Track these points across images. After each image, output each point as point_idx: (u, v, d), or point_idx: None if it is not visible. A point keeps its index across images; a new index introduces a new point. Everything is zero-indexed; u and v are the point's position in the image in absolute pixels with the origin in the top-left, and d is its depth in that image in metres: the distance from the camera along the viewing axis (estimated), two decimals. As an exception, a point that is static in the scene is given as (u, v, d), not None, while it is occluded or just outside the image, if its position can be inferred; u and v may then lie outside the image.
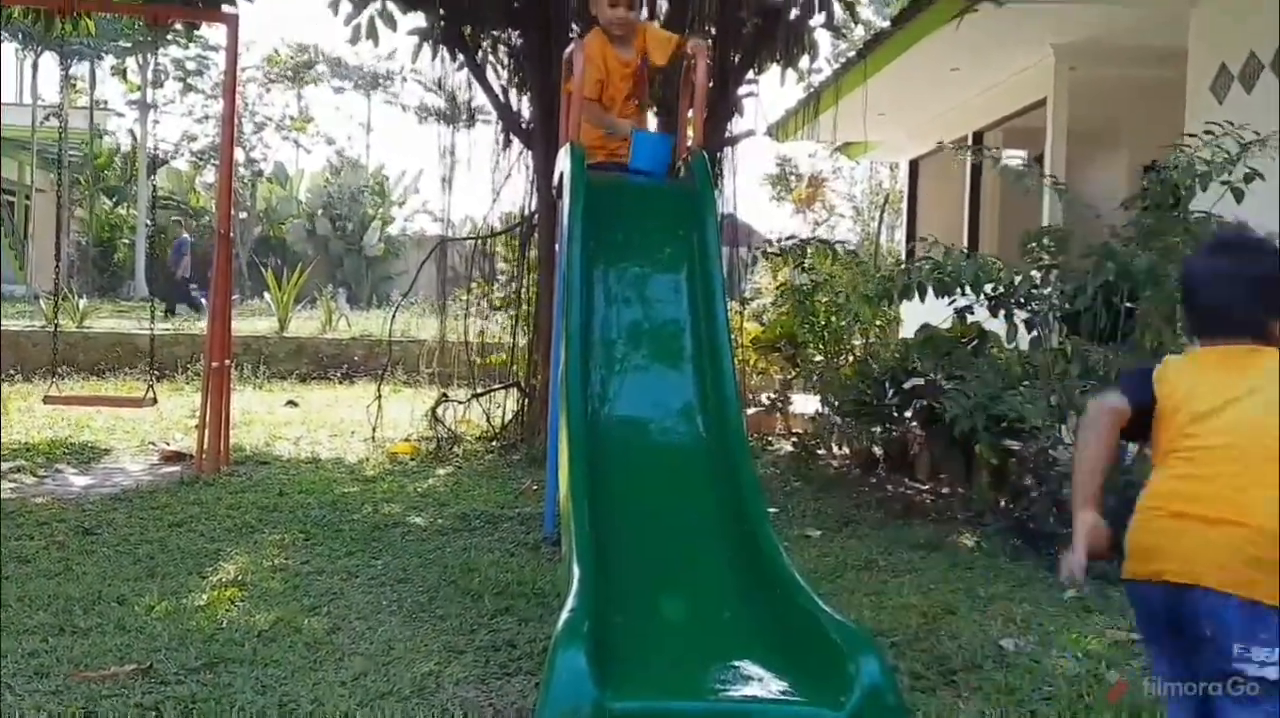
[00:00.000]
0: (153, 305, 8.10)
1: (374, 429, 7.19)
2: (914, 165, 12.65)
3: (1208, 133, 4.52)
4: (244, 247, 23.75)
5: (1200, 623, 1.86)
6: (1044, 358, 4.87)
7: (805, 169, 24.69)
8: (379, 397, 7.33)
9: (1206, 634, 1.84)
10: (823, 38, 8.21)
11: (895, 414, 6.00)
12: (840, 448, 6.58)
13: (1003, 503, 4.87)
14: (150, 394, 6.43)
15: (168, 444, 6.80)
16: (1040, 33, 8.07)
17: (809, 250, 7.00)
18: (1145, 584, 1.98)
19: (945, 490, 5.79)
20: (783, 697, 2.01)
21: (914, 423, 5.97)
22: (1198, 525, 1.90)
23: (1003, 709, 2.69)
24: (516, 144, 7.53)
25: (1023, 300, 4.93)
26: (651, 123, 5.39)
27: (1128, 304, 4.60)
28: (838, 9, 8.08)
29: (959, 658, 3.09)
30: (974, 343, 5.57)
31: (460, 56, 7.58)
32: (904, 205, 13.09)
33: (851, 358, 6.73)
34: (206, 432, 5.86)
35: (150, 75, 25.57)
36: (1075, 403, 4.60)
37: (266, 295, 15.54)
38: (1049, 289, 4.84)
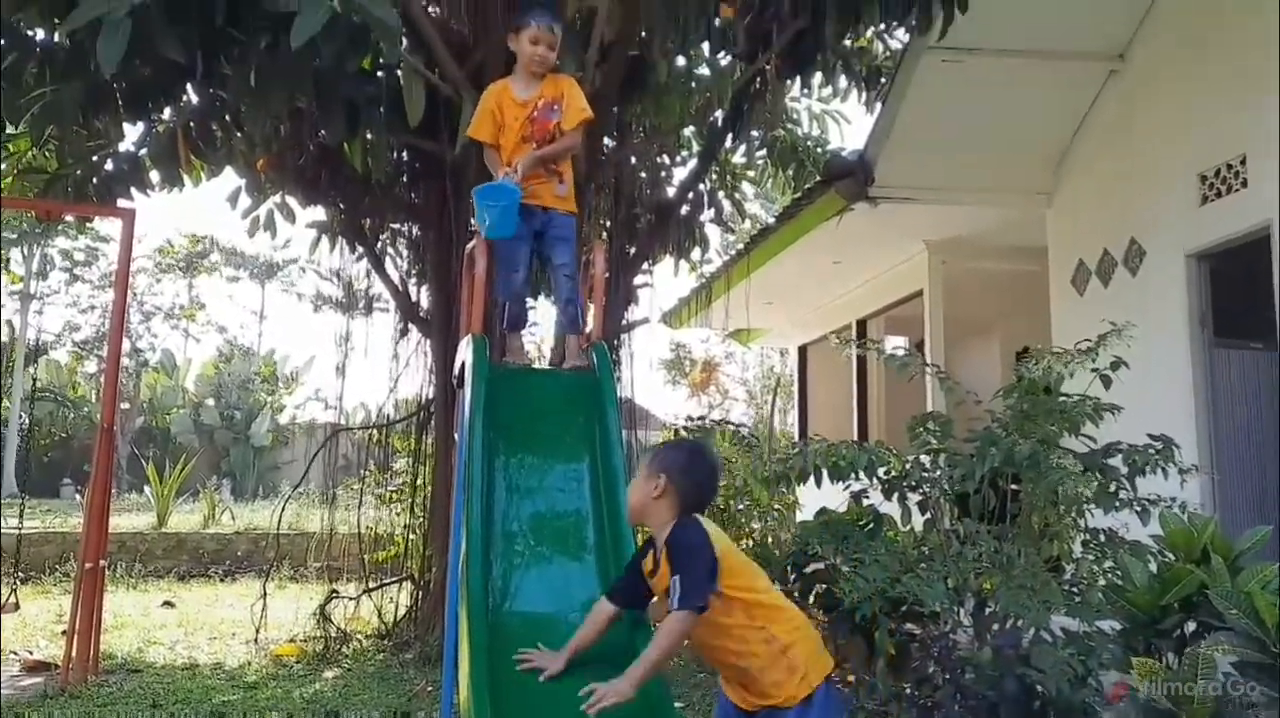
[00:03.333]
0: (23, 503, 7.70)
1: (257, 630, 6.84)
2: (803, 351, 13.11)
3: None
4: (125, 438, 22.89)
5: None
6: (938, 540, 4.96)
7: (699, 354, 25.35)
8: (264, 594, 7.01)
9: None
10: (713, 232, 8.63)
11: (797, 600, 5.98)
12: (743, 636, 6.48)
13: (907, 690, 4.84)
14: (13, 598, 6.04)
15: (30, 653, 6.33)
16: (914, 229, 8.62)
17: (716, 432, 7.09)
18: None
19: (850, 678, 5.72)
20: None
21: (816, 608, 5.95)
22: None
23: None
24: (415, 333, 7.58)
25: (915, 484, 5.06)
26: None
27: (1013, 487, 4.76)
28: (726, 205, 8.53)
29: None
30: (870, 526, 5.66)
31: (359, 248, 7.71)
32: (795, 389, 13.46)
33: (751, 542, 6.74)
34: (75, 638, 5.49)
35: (35, 266, 25.20)
36: (971, 585, 4.68)
37: (146, 489, 14.90)
38: (939, 472, 4.98)
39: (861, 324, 10.82)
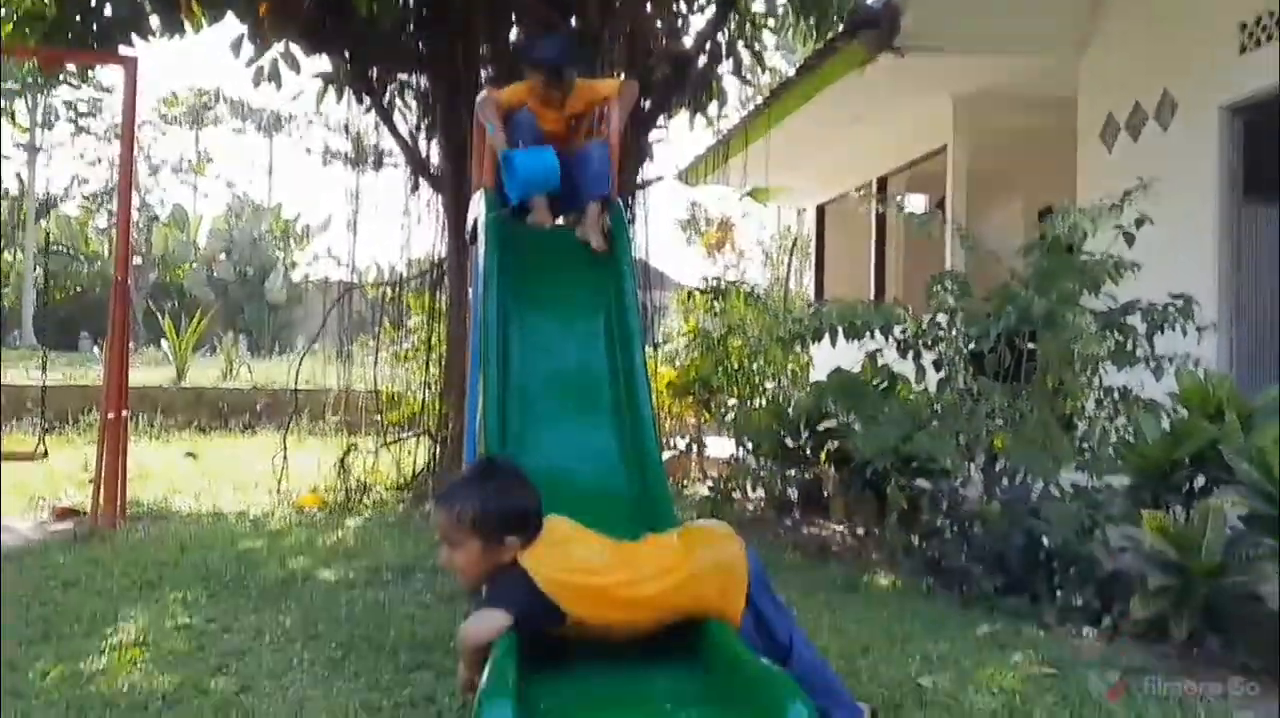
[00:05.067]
0: (43, 355, 7.77)
1: (279, 481, 6.99)
2: (821, 210, 12.93)
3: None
4: (140, 293, 23.01)
5: None
6: (951, 398, 4.99)
7: (715, 213, 25.07)
8: (284, 447, 7.13)
9: None
10: (731, 84, 8.38)
11: (809, 457, 6.07)
12: (755, 491, 6.62)
13: (916, 542, 4.95)
14: (41, 448, 6.16)
15: (60, 500, 6.50)
16: (939, 82, 8.36)
17: (733, 292, 7.08)
18: None
19: (860, 531, 5.86)
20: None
21: (828, 465, 6.04)
22: None
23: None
24: (425, 188, 7.48)
25: (930, 343, 5.05)
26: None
27: (1030, 345, 4.75)
28: (745, 57, 8.25)
29: (879, 698, 3.10)
30: (884, 385, 5.69)
31: (367, 100, 7.53)
32: (812, 249, 13.35)
33: (765, 401, 6.80)
34: (102, 486, 5.62)
35: (40, 117, 24.83)
36: (982, 442, 4.72)
37: (164, 343, 15.05)
38: (954, 332, 4.97)
39: (882, 181, 10.63)
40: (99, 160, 30.36)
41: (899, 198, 6.29)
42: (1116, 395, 4.66)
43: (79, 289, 24.26)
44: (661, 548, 2.49)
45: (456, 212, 6.72)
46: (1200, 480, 4.04)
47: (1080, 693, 3.16)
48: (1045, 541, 4.25)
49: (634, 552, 2.49)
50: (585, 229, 3.98)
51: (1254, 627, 3.50)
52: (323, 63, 7.56)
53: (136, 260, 25.20)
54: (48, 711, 2.89)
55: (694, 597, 2.38)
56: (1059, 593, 4.11)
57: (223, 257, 27.02)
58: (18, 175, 27.33)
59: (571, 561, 2.42)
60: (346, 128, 8.31)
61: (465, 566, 2.48)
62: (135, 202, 22.50)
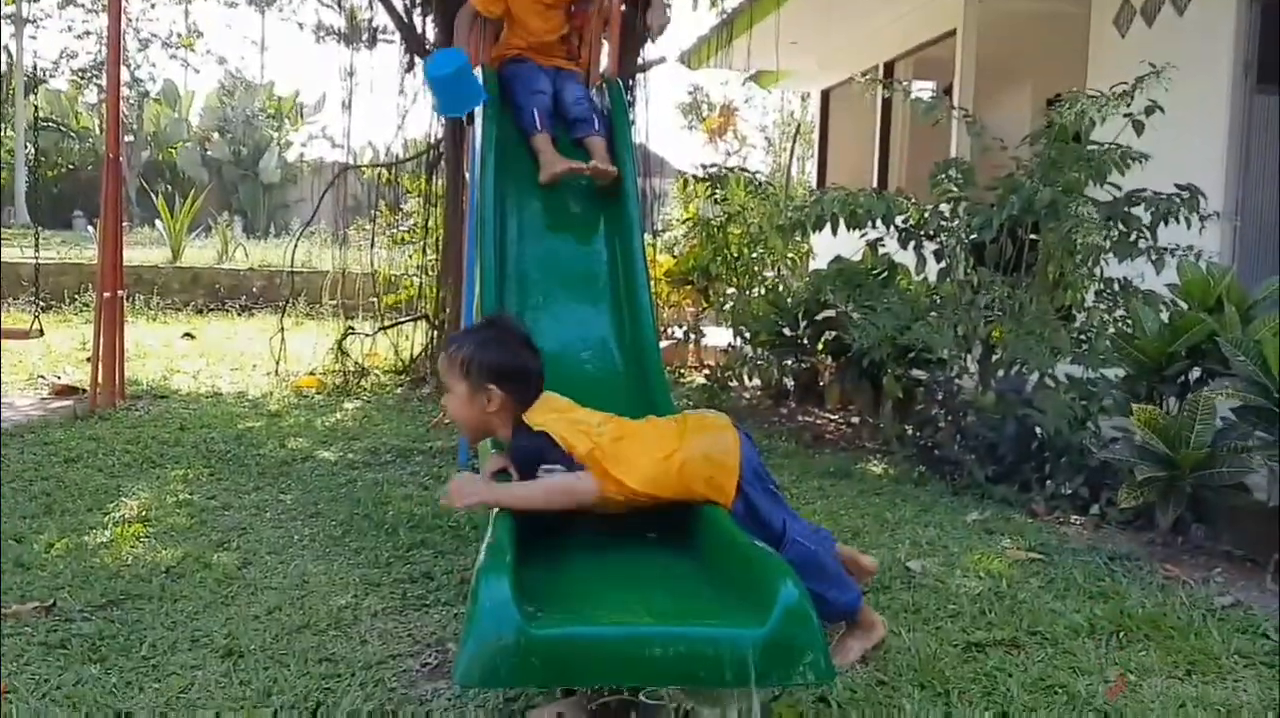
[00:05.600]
0: (36, 232, 7.70)
1: (277, 362, 7.02)
2: (825, 96, 12.67)
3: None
4: (133, 172, 22.69)
5: None
6: (951, 289, 4.97)
7: (718, 97, 24.58)
8: (281, 329, 7.14)
9: None
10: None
11: (807, 346, 6.09)
12: (752, 379, 6.65)
13: (909, 431, 5.00)
14: (36, 325, 6.15)
15: (58, 378, 6.53)
16: (950, -38, 8.10)
17: (734, 179, 6.98)
18: None
19: (854, 420, 5.91)
20: (704, 619, 2.03)
21: (825, 355, 6.06)
22: None
23: (910, 627, 2.78)
24: (421, 66, 7.30)
25: (932, 233, 5.01)
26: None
27: (1032, 236, 4.71)
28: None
29: (869, 581, 3.18)
30: (884, 275, 5.66)
31: (361, -27, 7.29)
32: (815, 136, 13.13)
33: (764, 291, 6.78)
34: (100, 365, 5.64)
35: (25, -13, 24.07)
36: (980, 333, 4.73)
37: (158, 223, 14.92)
38: (957, 222, 4.92)
39: (889, 66, 10.38)
40: (88, 33, 29.54)
41: (905, 83, 6.13)
42: (1117, 287, 4.65)
43: (71, 166, 23.91)
44: (661, 430, 2.51)
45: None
46: (1196, 373, 4.06)
47: (1065, 578, 3.24)
48: (1038, 431, 4.29)
49: (635, 427, 2.51)
50: (595, 169, 3.85)
51: (1239, 516, 3.57)
52: (314, -68, 7.30)
53: (128, 138, 24.79)
54: (53, 581, 2.94)
55: (683, 485, 2.40)
56: (1049, 482, 4.18)
57: (216, 135, 26.54)
58: (5, 49, 26.67)
59: (577, 423, 2.42)
60: (339, 2, 8.07)
61: (454, 410, 2.50)
62: (125, 77, 21.98)
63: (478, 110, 3.94)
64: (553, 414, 2.43)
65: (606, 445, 2.36)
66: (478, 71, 3.92)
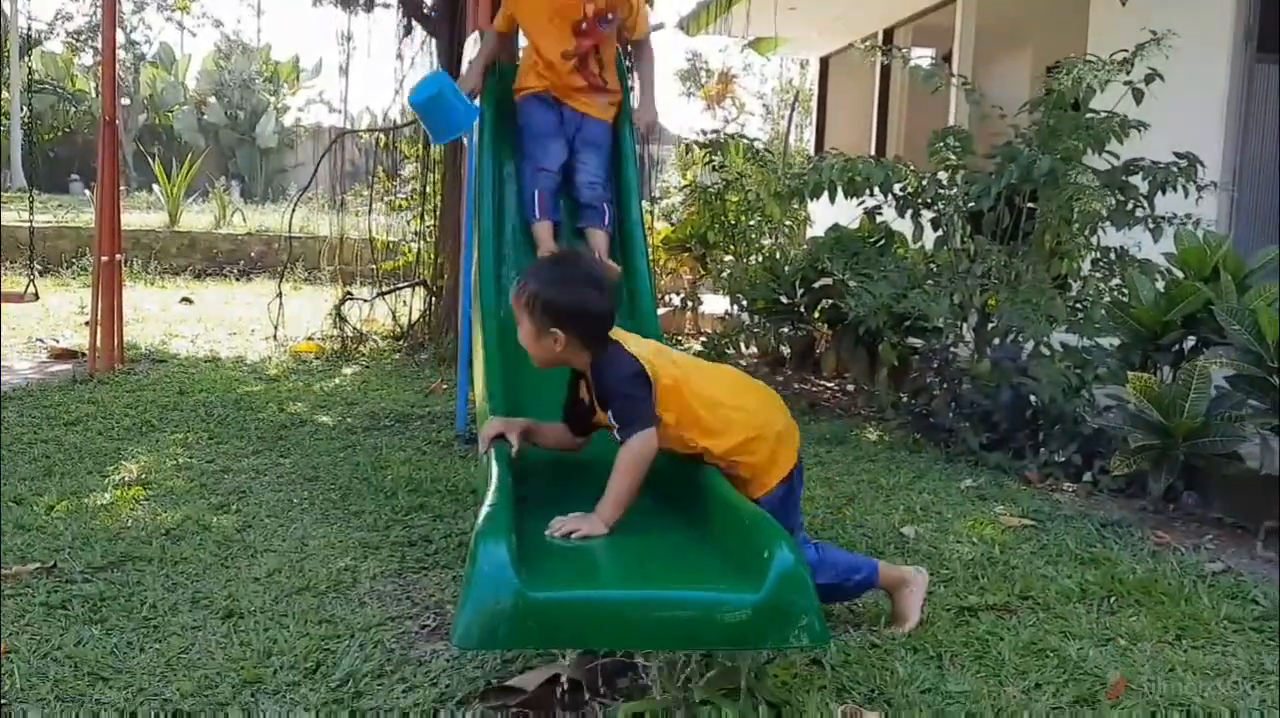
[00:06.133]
0: (31, 196, 7.67)
1: (275, 327, 7.02)
2: (824, 63, 12.59)
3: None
4: (129, 135, 22.54)
5: None
6: (948, 257, 4.98)
7: (716, 64, 24.40)
8: (279, 294, 7.14)
9: None
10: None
11: (803, 314, 6.09)
12: (749, 347, 6.67)
13: (905, 399, 5.02)
14: (32, 289, 6.14)
15: (57, 342, 6.54)
16: (951, -72, 8.03)
17: (732, 147, 6.95)
18: None
19: (850, 388, 5.94)
20: (701, 584, 2.06)
21: (822, 322, 6.07)
22: None
23: (904, 593, 2.81)
24: (419, 31, 7.25)
25: (929, 201, 5.00)
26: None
27: (1029, 205, 4.71)
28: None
29: (863, 545, 3.21)
30: (881, 243, 5.66)
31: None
32: (814, 103, 13.06)
33: (761, 258, 6.77)
34: (99, 329, 5.64)
35: (17, -53, 23.76)
36: (976, 302, 4.74)
37: (155, 188, 14.85)
38: (955, 190, 4.91)
39: (889, 33, 10.32)
40: (82, -7, 29.21)
41: (904, 50, 6.10)
42: (1113, 256, 4.65)
43: (68, 129, 23.74)
44: (744, 384, 2.58)
45: (451, 56, 6.52)
46: (1191, 342, 4.08)
47: (1058, 544, 3.27)
48: (1032, 399, 4.32)
49: (717, 371, 2.58)
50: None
51: (1230, 483, 3.60)
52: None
53: (124, 101, 24.60)
54: (53, 543, 2.97)
55: (754, 446, 2.41)
56: (1042, 450, 4.20)
57: (212, 99, 26.33)
58: (-2, 9, 26.37)
59: (663, 352, 2.44)
60: (336, -36, 7.98)
61: (524, 343, 2.45)
62: (120, 39, 21.76)
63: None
64: (639, 343, 2.42)
65: (693, 382, 2.39)
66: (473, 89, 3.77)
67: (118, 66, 5.98)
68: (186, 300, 9.20)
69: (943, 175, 4.98)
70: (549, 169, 3.64)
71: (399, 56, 7.35)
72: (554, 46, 3.68)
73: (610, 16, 3.69)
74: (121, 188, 6.83)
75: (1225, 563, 3.15)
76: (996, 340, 4.70)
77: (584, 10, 3.65)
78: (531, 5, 3.73)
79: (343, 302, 7.09)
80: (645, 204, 7.54)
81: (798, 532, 2.53)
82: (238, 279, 11.31)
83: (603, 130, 3.75)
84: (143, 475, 3.71)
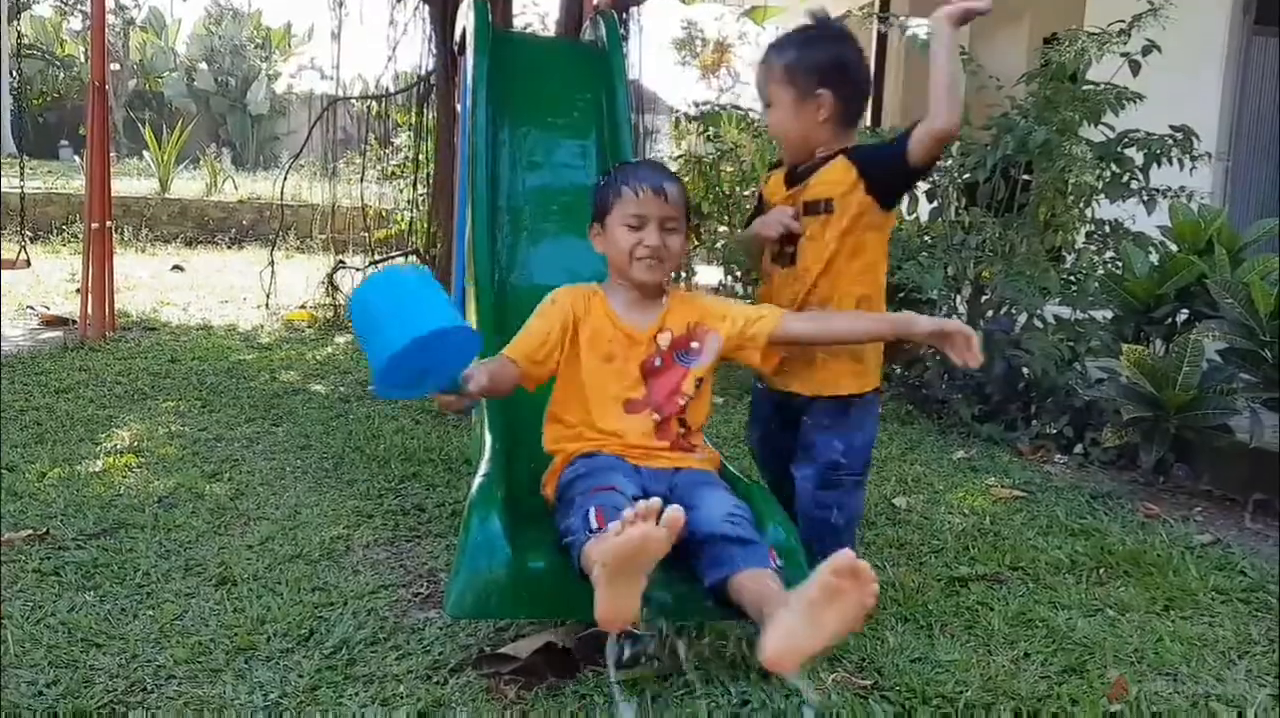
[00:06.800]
0: (21, 161, 7.61)
1: (268, 296, 7.00)
2: (819, 32, 12.49)
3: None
4: (119, 101, 22.35)
5: None
6: (942, 229, 4.97)
7: (712, 33, 24.27)
8: (271, 263, 7.11)
9: None
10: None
11: (795, 284, 6.08)
12: (742, 317, 6.64)
13: (897, 370, 5.02)
14: (23, 255, 6.11)
15: (47, 309, 6.51)
16: (950, -104, 7.94)
17: (725, 117, 6.91)
18: None
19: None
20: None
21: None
22: None
23: (895, 562, 2.83)
24: (412, -3, 7.17)
25: (925, 171, 4.98)
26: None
27: (1025, 177, 4.69)
28: None
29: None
30: (875, 213, 5.64)
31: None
32: (808, 73, 12.97)
33: (755, 228, 6.75)
34: (89, 296, 5.62)
35: (4, -92, 23.44)
36: (970, 274, 4.73)
37: (145, 155, 14.75)
38: (950, 161, 4.90)
39: (885, 1, 10.25)
40: (69, -42, 28.86)
41: (901, 19, 6.06)
42: (1108, 229, 4.65)
43: (57, 94, 23.53)
44: None
45: (444, 22, 6.46)
46: (1184, 315, 4.08)
47: (1048, 515, 3.29)
48: (1025, 371, 4.33)
49: None
50: None
51: (1220, 456, 3.62)
52: None
53: (114, 66, 24.35)
54: (46, 510, 2.97)
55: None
56: (1034, 422, 4.22)
57: (203, 65, 26.09)
58: (-16, -27, 26.05)
59: None
60: (328, -72, 7.89)
61: (777, 124, 2.35)
62: (109, 3, 21.51)
63: (469, 40, 3.88)
64: None
65: None
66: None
67: (107, 31, 5.91)
68: (178, 268, 9.16)
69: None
70: (619, 490, 2.11)
71: (391, 22, 7.28)
72: (608, 391, 2.35)
73: (695, 343, 2.39)
74: (112, 154, 6.78)
75: (1214, 535, 3.18)
76: (990, 313, 4.70)
77: (654, 339, 2.38)
78: (585, 304, 2.47)
79: (335, 270, 7.06)
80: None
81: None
82: (229, 247, 11.26)
83: (708, 475, 2.33)
84: (135, 443, 3.71)
